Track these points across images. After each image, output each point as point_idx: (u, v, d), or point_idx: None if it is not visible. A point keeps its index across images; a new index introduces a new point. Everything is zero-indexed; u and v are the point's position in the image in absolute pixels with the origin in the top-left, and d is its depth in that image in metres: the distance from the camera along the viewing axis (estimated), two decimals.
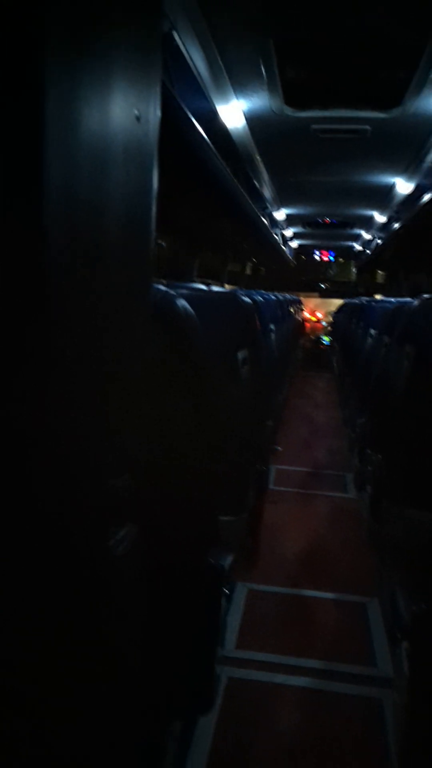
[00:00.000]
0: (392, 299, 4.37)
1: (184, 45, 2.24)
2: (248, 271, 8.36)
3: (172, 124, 1.82)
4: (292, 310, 7.46)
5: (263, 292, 5.32)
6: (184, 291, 1.85)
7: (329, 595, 2.87)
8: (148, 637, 1.06)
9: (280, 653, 2.39)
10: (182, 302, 1.17)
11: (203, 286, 2.22)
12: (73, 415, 0.68)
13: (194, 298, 1.65)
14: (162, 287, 1.15)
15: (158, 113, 0.85)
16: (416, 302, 2.25)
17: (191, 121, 1.88)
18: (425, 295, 2.28)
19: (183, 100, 1.85)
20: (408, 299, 2.85)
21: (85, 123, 0.62)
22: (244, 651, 2.39)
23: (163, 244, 4.47)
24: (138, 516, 0.93)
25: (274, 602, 2.79)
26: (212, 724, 1.97)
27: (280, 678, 2.24)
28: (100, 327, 0.73)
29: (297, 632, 2.55)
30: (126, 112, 0.72)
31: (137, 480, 0.91)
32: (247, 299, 2.13)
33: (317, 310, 12.65)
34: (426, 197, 3.38)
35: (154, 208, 0.88)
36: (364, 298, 6.71)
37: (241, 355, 2.04)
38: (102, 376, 0.76)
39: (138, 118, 0.76)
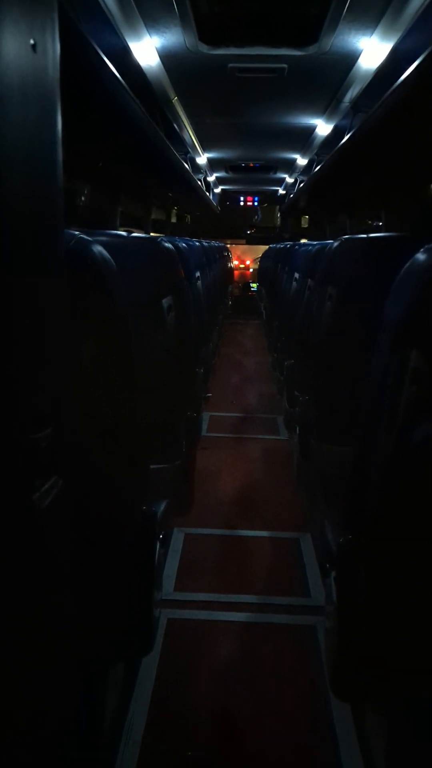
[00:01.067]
0: (314, 243, 4.40)
1: None
2: (173, 219, 8.20)
3: (81, 60, 1.72)
4: (218, 256, 7.41)
5: (188, 239, 5.25)
6: (103, 238, 1.80)
7: (264, 533, 2.97)
8: (84, 585, 1.07)
9: (218, 592, 2.47)
10: (98, 248, 1.14)
11: (123, 233, 2.16)
12: None
13: (113, 244, 1.61)
14: (76, 232, 1.12)
15: (57, 43, 0.80)
16: (336, 244, 2.27)
17: (101, 56, 1.78)
18: (344, 237, 2.30)
19: (92, 36, 1.76)
20: (328, 242, 2.87)
21: None
22: (183, 593, 2.45)
23: (85, 191, 4.31)
24: (64, 468, 0.92)
25: (211, 544, 2.86)
26: (154, 664, 2.02)
27: (218, 615, 2.32)
28: (8, 277, 0.70)
29: (234, 571, 2.64)
30: (19, 39, 0.68)
31: (61, 433, 0.90)
32: (169, 245, 2.10)
33: (245, 257, 12.63)
34: (344, 138, 3.37)
35: (59, 147, 0.84)
36: (288, 243, 6.73)
37: (165, 302, 2.02)
38: (14, 328, 0.73)
39: (34, 47, 0.72)
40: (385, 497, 1.19)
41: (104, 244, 1.18)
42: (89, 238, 1.12)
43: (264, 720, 1.83)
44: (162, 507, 1.69)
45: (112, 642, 1.42)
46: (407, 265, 1.16)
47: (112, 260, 1.15)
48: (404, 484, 1.13)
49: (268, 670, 2.04)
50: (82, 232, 1.15)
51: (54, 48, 0.80)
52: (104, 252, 1.13)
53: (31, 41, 0.72)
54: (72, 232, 1.11)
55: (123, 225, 4.64)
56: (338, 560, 1.35)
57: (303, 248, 4.17)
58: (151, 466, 1.73)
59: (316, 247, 3.35)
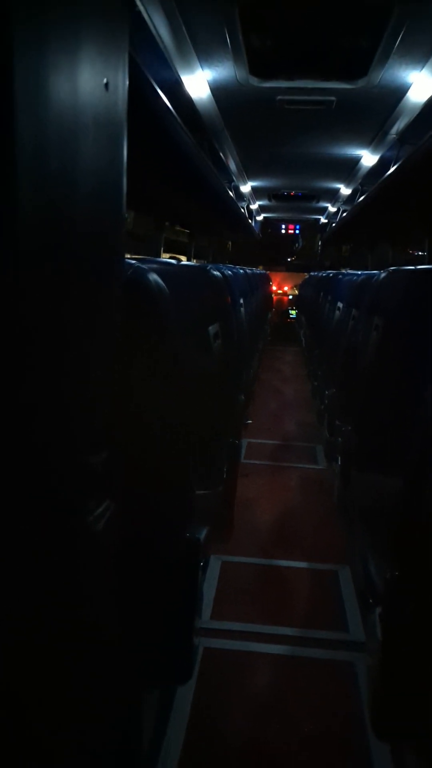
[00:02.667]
0: (358, 272, 4.40)
1: (147, 12, 2.18)
2: (215, 246, 8.31)
3: (138, 94, 1.78)
4: (260, 284, 7.45)
5: (231, 266, 5.30)
6: (155, 265, 1.83)
7: (301, 564, 2.93)
8: (126, 610, 1.07)
9: (254, 622, 2.44)
10: (154, 276, 1.16)
11: (173, 261, 2.20)
12: (47, 392, 0.68)
13: (165, 272, 1.64)
14: (133, 261, 1.14)
15: (126, 81, 0.84)
16: (383, 275, 2.27)
17: (156, 90, 1.84)
18: (391, 268, 2.30)
19: (147, 69, 1.81)
20: (374, 272, 2.87)
21: (54, 91, 0.60)
22: (219, 621, 2.43)
23: (129, 218, 4.40)
24: (116, 492, 0.93)
25: (248, 573, 2.83)
26: (190, 692, 2.00)
27: (254, 646, 2.29)
28: (71, 302, 0.72)
29: (270, 601, 2.60)
30: (95, 79, 0.71)
31: (114, 456, 0.91)
32: (217, 273, 2.12)
33: (283, 284, 12.66)
34: (390, 170, 3.39)
35: (124, 180, 0.87)
36: (331, 272, 6.73)
37: (212, 329, 2.04)
38: (75, 353, 0.75)
39: (107, 86, 0.75)
40: None
41: (158, 273, 1.21)
42: (145, 267, 1.15)
43: (300, 756, 1.79)
44: (204, 533, 1.69)
45: (152, 668, 1.41)
46: None
47: (166, 289, 1.17)
48: None
49: (304, 705, 2.00)
50: (138, 260, 1.18)
51: (123, 86, 0.83)
52: (159, 281, 1.15)
53: (105, 80, 0.75)
54: (130, 261, 1.14)
55: (165, 251, 4.72)
56: (384, 596, 1.32)
57: (347, 278, 4.17)
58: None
59: (361, 277, 3.34)
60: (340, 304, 3.93)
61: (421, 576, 1.24)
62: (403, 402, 1.84)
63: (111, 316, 0.88)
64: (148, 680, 1.51)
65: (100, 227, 0.79)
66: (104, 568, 0.93)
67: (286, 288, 12.59)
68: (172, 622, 1.39)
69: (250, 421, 4.80)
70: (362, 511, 2.30)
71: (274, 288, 12.39)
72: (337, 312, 3.97)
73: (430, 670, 1.25)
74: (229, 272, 3.38)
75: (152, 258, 2.06)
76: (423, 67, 2.76)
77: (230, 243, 10.44)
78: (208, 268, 2.08)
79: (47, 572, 0.74)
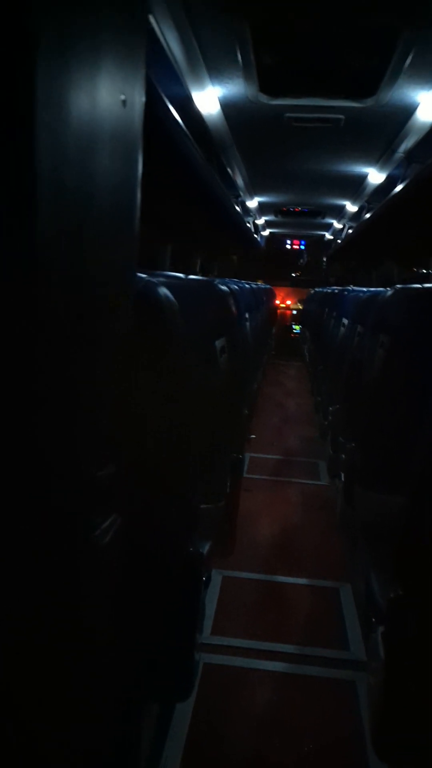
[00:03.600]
0: (364, 289, 4.41)
1: (160, 29, 2.21)
2: (221, 260, 8.34)
3: (150, 110, 1.79)
4: (265, 298, 7.47)
5: (237, 280, 5.32)
6: (163, 279, 1.84)
7: (303, 580, 2.91)
8: (128, 624, 1.07)
9: (254, 639, 2.42)
10: (164, 290, 1.16)
11: (180, 275, 2.21)
12: (56, 404, 0.68)
13: (173, 286, 1.64)
14: (144, 275, 1.15)
15: (143, 98, 0.85)
16: (389, 292, 2.27)
17: (167, 106, 1.85)
18: (398, 286, 2.31)
19: (159, 85, 1.83)
20: (381, 289, 2.87)
21: (74, 108, 0.61)
22: (220, 637, 2.41)
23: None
24: (122, 506, 0.93)
25: (249, 589, 2.81)
26: (189, 708, 1.99)
27: (254, 663, 2.27)
28: (84, 315, 0.72)
29: (271, 618, 2.59)
30: (113, 96, 0.71)
31: (121, 470, 0.91)
32: (224, 287, 2.13)
33: (287, 298, 12.70)
34: (398, 188, 3.41)
35: (138, 195, 0.87)
36: (336, 288, 6.75)
37: (219, 343, 2.04)
38: (86, 366, 0.75)
39: (124, 102, 0.75)
40: None
41: (166, 286, 1.21)
42: (156, 281, 1.15)
43: None
44: (206, 548, 1.69)
45: (152, 683, 1.40)
46: None
47: (176, 303, 1.18)
48: None
49: (304, 723, 1.98)
50: (147, 274, 1.18)
51: (140, 103, 0.84)
52: (169, 295, 1.16)
53: (122, 97, 0.76)
54: (140, 274, 1.14)
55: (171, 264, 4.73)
56: (388, 616, 1.31)
57: (353, 294, 4.18)
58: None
59: (367, 294, 3.35)
60: (345, 320, 3.93)
61: (424, 596, 1.23)
62: (408, 420, 1.83)
63: (121, 329, 0.89)
64: (148, 695, 1.50)
65: (115, 241, 0.80)
66: (108, 581, 0.93)
67: (289, 302, 12.64)
68: (174, 636, 1.38)
69: (253, 436, 4.79)
70: (365, 529, 2.29)
71: (277, 302, 12.43)
72: (342, 328, 3.97)
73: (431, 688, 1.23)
74: (235, 287, 3.39)
75: (162, 272, 2.07)
76: None
77: (236, 258, 10.48)
78: (215, 282, 2.09)
79: (51, 585, 0.73)
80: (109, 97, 0.70)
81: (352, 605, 2.69)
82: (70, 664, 0.82)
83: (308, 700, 2.10)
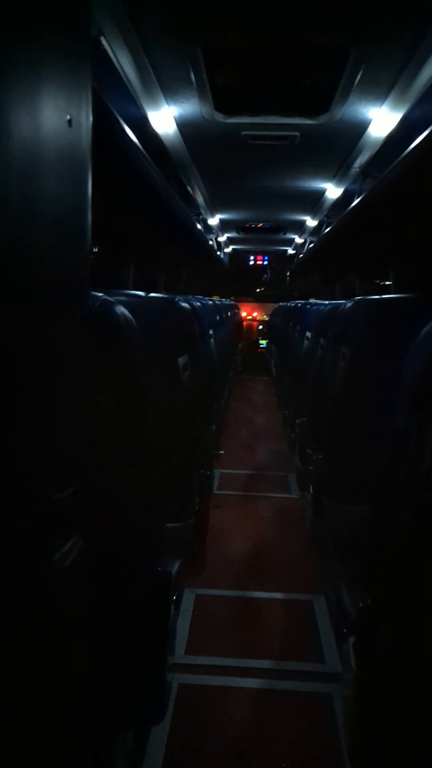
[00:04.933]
0: (326, 302, 4.46)
1: (112, 51, 2.22)
2: (184, 278, 8.37)
3: (104, 130, 1.80)
4: (229, 314, 7.51)
5: (200, 297, 5.34)
6: (122, 297, 1.84)
7: (276, 594, 2.90)
8: (96, 649, 1.05)
9: (229, 656, 2.40)
10: (121, 309, 1.16)
11: (141, 293, 2.21)
12: (11, 428, 0.67)
13: (132, 304, 1.64)
14: (99, 294, 1.14)
15: (90, 118, 0.85)
16: (349, 304, 2.30)
17: (122, 127, 1.86)
18: (357, 297, 2.34)
19: (114, 105, 1.84)
20: (341, 302, 2.91)
21: (16, 128, 0.61)
22: (194, 656, 2.38)
23: (95, 250, 4.41)
24: (84, 528, 0.91)
25: (222, 606, 2.79)
26: (164, 732, 1.95)
27: (230, 680, 2.25)
28: (35, 337, 0.72)
29: (246, 634, 2.57)
30: (57, 116, 0.71)
31: (82, 492, 0.90)
32: (185, 305, 2.14)
33: (254, 313, 12.79)
34: (354, 202, 3.47)
35: (89, 214, 0.87)
36: (299, 302, 6.82)
37: (181, 360, 2.04)
38: (37, 389, 0.74)
39: (70, 122, 0.75)
40: (406, 560, 1.17)
41: (125, 305, 1.21)
42: (113, 300, 1.15)
43: None
44: (176, 566, 1.67)
45: (124, 708, 1.37)
46: (428, 327, 1.18)
47: (134, 321, 1.17)
48: (426, 547, 1.11)
49: (281, 739, 1.96)
50: (105, 293, 1.18)
51: (87, 122, 0.84)
52: (127, 314, 1.15)
53: (68, 116, 0.76)
54: (96, 294, 1.14)
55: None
56: (357, 625, 1.31)
57: (315, 307, 4.23)
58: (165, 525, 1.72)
59: (329, 306, 3.39)
60: (308, 334, 3.97)
61: (392, 604, 1.23)
62: (371, 430, 1.85)
63: (76, 350, 0.88)
64: (122, 721, 1.47)
65: (64, 261, 0.79)
66: (72, 605, 0.91)
67: (255, 314, 12.74)
68: (145, 659, 1.36)
69: (222, 452, 4.79)
70: (335, 540, 2.30)
71: (243, 314, 12.52)
72: (306, 341, 4.01)
73: (405, 698, 1.24)
74: (198, 303, 3.40)
75: (119, 291, 2.06)
76: (382, 103, 2.86)
77: (199, 275, 10.52)
78: (176, 299, 2.10)
79: (11, 610, 0.72)
80: (53, 116, 0.70)
81: (326, 617, 2.68)
82: (36, 690, 0.80)
83: (285, 715, 2.09)
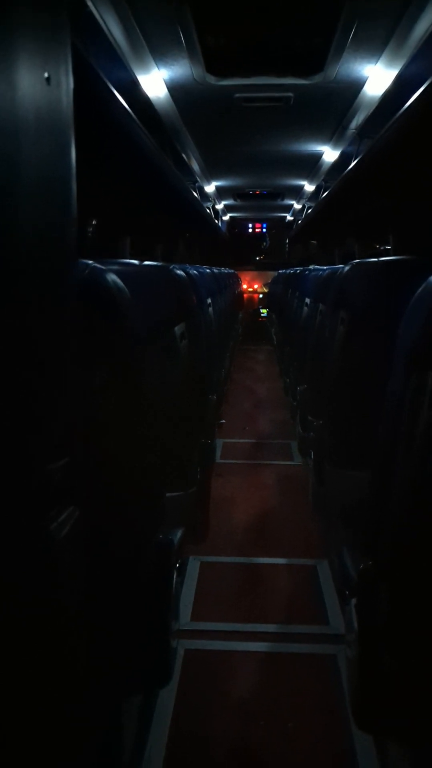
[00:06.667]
0: (324, 267, 4.42)
1: (99, 12, 2.16)
2: (182, 247, 8.29)
3: (91, 93, 1.75)
4: (228, 283, 7.45)
5: (198, 266, 5.29)
6: (115, 266, 1.81)
7: (280, 560, 2.93)
8: (99, 616, 1.05)
9: (235, 621, 2.43)
10: (112, 276, 1.14)
11: (135, 262, 2.18)
12: (1, 401, 0.66)
13: (126, 273, 1.62)
14: (89, 262, 1.12)
15: (71, 76, 0.82)
16: (347, 268, 2.27)
17: (109, 88, 1.81)
18: (355, 261, 2.31)
19: (102, 69, 1.79)
20: (339, 266, 2.88)
21: None
22: (200, 622, 2.42)
23: (93, 222, 4.36)
24: (81, 498, 0.91)
25: (228, 573, 2.82)
26: (172, 695, 1.99)
27: (236, 645, 2.28)
28: (22, 307, 0.70)
29: (251, 599, 2.60)
30: (34, 73, 0.69)
31: (78, 462, 0.89)
32: (181, 272, 2.11)
33: (253, 282, 12.69)
34: (351, 164, 3.41)
35: (73, 178, 0.85)
36: (298, 268, 6.76)
37: (178, 329, 2.02)
38: (27, 359, 0.73)
39: (48, 80, 0.73)
40: (406, 522, 1.17)
41: (117, 273, 1.19)
42: (103, 267, 1.13)
43: (284, 751, 1.79)
44: (178, 535, 1.68)
45: (130, 673, 1.39)
46: (422, 286, 1.16)
47: (126, 289, 1.15)
48: (426, 509, 1.11)
49: (287, 701, 2.00)
50: (96, 261, 1.16)
51: (67, 81, 0.81)
52: (118, 281, 1.13)
53: (45, 74, 0.73)
54: (86, 261, 1.12)
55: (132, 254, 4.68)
56: (359, 587, 1.32)
57: (313, 273, 4.19)
58: (166, 494, 1.72)
59: (327, 271, 3.36)
60: (307, 300, 3.94)
61: (393, 566, 1.24)
62: (371, 395, 1.84)
63: (65, 318, 0.86)
64: (128, 685, 1.49)
65: (48, 227, 0.77)
66: (71, 574, 0.91)
67: (256, 286, 12.63)
68: (148, 625, 1.37)
69: (223, 421, 4.79)
70: (336, 505, 2.30)
71: (244, 286, 12.42)
72: (305, 308, 3.98)
73: (406, 657, 1.25)
74: (195, 272, 3.37)
75: (113, 260, 2.04)
76: (377, 60, 2.78)
77: (197, 244, 10.42)
78: (171, 267, 2.07)
79: (10, 582, 0.72)
80: (29, 73, 0.67)
81: (330, 581, 2.71)
82: (39, 661, 0.80)
83: (291, 676, 2.12)
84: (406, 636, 1.23)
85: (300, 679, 2.11)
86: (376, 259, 2.27)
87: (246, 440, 5.06)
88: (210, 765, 1.75)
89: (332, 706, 1.96)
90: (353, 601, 1.39)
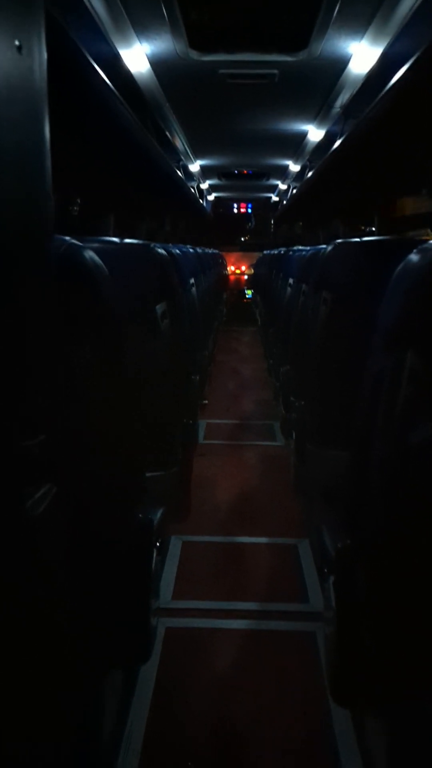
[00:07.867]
0: (308, 248, 4.41)
1: None
2: (167, 227, 8.22)
3: (70, 66, 1.72)
4: (212, 264, 7.42)
5: (182, 245, 5.25)
6: (95, 244, 1.79)
7: (262, 539, 2.95)
8: (77, 594, 1.06)
9: (216, 599, 2.45)
10: (90, 253, 1.13)
11: (116, 239, 2.16)
12: None
13: (105, 250, 1.60)
14: (66, 238, 1.11)
15: (43, 46, 0.80)
16: (330, 248, 2.27)
17: (91, 63, 1.78)
18: (338, 240, 2.30)
19: (82, 42, 1.75)
20: (322, 246, 2.87)
21: None
22: (181, 601, 2.43)
23: (78, 200, 4.30)
24: (59, 475, 0.91)
25: (209, 551, 2.84)
26: (153, 673, 2.00)
27: (217, 623, 2.30)
28: None
29: (232, 578, 2.62)
30: (4, 40, 0.67)
31: (56, 440, 0.89)
32: (162, 251, 2.09)
33: (239, 264, 12.64)
34: (336, 144, 3.38)
35: (47, 151, 0.83)
36: (282, 249, 6.74)
37: (159, 308, 2.01)
38: (3, 335, 0.72)
39: (19, 49, 0.71)
40: (383, 500, 1.18)
41: (96, 251, 1.17)
42: (80, 244, 1.11)
43: (264, 727, 1.81)
44: (158, 514, 1.68)
45: (110, 650, 1.40)
46: (401, 265, 1.16)
47: (104, 266, 1.14)
48: (403, 486, 1.12)
49: (267, 677, 2.02)
50: (73, 238, 1.14)
51: (40, 51, 0.79)
52: (96, 258, 1.12)
53: (16, 42, 0.71)
54: (63, 238, 1.10)
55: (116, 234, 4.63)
56: (336, 565, 1.33)
57: (296, 254, 4.18)
58: (147, 474, 1.72)
59: (310, 252, 3.35)
60: (291, 281, 3.93)
61: (370, 544, 1.25)
62: (351, 375, 1.85)
63: (41, 295, 0.85)
64: (108, 662, 1.50)
65: (21, 201, 0.76)
66: (49, 551, 0.91)
67: (243, 267, 12.58)
68: (127, 603, 1.38)
69: (206, 402, 4.79)
70: (318, 485, 2.32)
71: (231, 268, 12.36)
72: (289, 289, 3.98)
73: (383, 634, 1.27)
74: (177, 251, 3.34)
75: (93, 237, 2.01)
76: (362, 37, 2.76)
77: (181, 224, 10.33)
78: (152, 246, 2.05)
79: None
80: None
81: (311, 559, 2.74)
82: (21, 638, 0.80)
83: (271, 654, 2.14)
84: (383, 613, 1.24)
85: (280, 656, 2.13)
86: (358, 239, 2.27)
87: (229, 421, 5.07)
88: (189, 740, 1.77)
89: (311, 682, 1.99)
90: (331, 578, 1.41)
